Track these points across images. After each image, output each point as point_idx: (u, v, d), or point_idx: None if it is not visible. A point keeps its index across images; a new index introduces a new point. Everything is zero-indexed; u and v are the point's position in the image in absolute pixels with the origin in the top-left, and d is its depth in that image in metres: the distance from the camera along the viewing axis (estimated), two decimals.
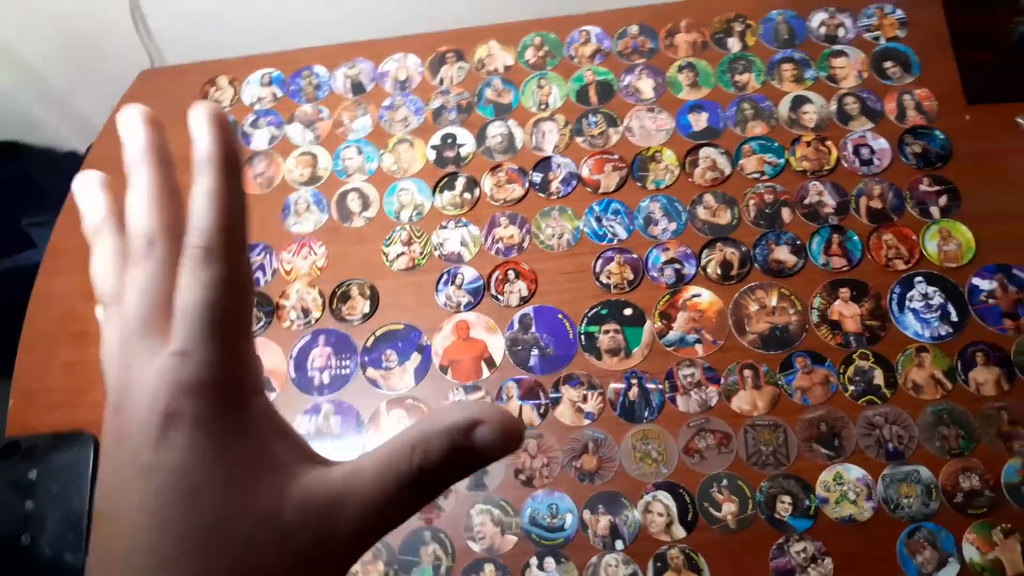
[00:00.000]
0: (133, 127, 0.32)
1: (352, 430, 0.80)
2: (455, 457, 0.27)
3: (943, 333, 0.78)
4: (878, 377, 0.77)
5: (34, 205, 1.16)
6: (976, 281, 0.79)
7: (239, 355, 0.29)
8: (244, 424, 0.28)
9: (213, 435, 0.27)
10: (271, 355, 0.84)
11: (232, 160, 0.30)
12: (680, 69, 0.94)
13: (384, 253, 0.88)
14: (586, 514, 0.75)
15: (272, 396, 0.82)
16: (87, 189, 0.33)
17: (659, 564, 0.73)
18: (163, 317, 0.29)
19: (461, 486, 0.77)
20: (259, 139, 0.97)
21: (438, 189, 0.91)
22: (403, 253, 0.88)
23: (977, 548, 0.70)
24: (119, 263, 0.31)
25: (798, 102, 0.90)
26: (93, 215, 0.33)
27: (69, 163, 1.26)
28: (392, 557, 0.75)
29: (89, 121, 1.34)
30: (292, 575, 0.27)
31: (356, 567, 0.74)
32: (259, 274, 0.88)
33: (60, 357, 0.87)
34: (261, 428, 0.29)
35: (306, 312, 0.86)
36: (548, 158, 0.90)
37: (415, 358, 0.83)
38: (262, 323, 0.86)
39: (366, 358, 0.83)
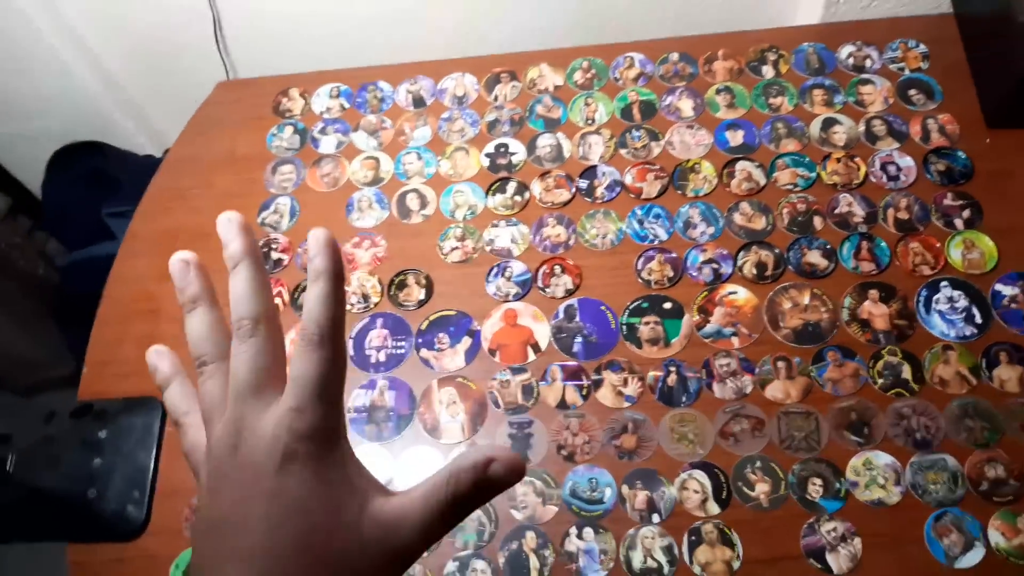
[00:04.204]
0: (234, 231, 0.41)
1: (405, 404, 0.85)
2: (477, 486, 0.36)
3: (968, 333, 0.82)
4: (906, 372, 0.81)
5: (113, 198, 1.24)
6: (999, 287, 0.84)
7: (337, 411, 0.38)
8: (337, 461, 0.37)
9: (318, 468, 0.36)
10: None
11: (340, 274, 0.39)
12: (718, 92, 1.01)
13: (439, 247, 0.95)
14: (624, 489, 0.78)
15: None
16: (184, 269, 0.42)
17: (694, 538, 0.76)
18: (268, 381, 0.38)
19: None
20: (327, 144, 1.05)
21: (491, 191, 0.98)
22: (457, 248, 0.94)
23: (1002, 534, 0.73)
24: (217, 332, 0.41)
25: (828, 123, 0.97)
26: (190, 290, 0.42)
27: (146, 163, 1.34)
28: None
29: (162, 130, 1.43)
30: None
31: None
32: None
33: (133, 332, 0.93)
34: (347, 464, 0.38)
35: (366, 297, 0.92)
36: (594, 166, 0.97)
37: (465, 341, 0.88)
38: None
39: (420, 340, 0.89)
